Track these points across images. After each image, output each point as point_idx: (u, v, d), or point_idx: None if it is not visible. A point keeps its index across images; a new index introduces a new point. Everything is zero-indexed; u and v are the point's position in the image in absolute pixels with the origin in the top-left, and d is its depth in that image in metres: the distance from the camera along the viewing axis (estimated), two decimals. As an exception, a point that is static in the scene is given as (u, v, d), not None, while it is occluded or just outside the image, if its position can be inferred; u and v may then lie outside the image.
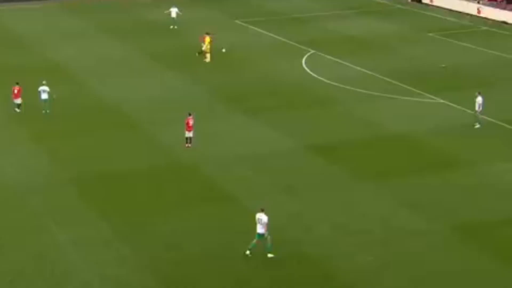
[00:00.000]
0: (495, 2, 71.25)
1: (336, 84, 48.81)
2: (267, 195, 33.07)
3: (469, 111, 42.11)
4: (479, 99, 40.48)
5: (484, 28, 65.58)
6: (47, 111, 42.92)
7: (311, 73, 51.55)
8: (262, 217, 27.67)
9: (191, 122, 37.88)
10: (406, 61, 54.62)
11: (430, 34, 62.79)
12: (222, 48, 56.01)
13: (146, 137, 40.03)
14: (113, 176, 35.10)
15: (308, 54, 56.36)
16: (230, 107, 44.72)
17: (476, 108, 40.60)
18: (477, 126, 40.63)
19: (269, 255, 27.73)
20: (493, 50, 57.32)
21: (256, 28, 63.23)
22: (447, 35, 62.19)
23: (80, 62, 54.87)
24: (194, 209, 31.89)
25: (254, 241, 27.78)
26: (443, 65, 53.05)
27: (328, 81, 49.45)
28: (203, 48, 53.71)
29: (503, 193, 33.22)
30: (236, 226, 30.34)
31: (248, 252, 27.83)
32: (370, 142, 39.05)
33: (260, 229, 27.63)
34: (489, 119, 41.40)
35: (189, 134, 38.00)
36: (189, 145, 38.02)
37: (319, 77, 50.40)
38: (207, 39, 53.92)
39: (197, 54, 54.73)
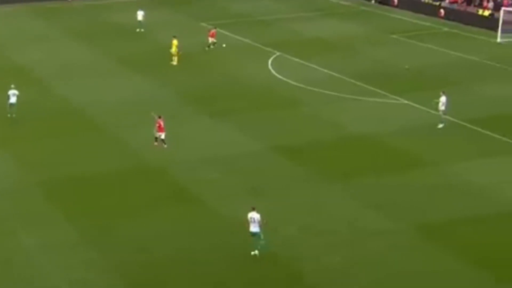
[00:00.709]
0: (455, 4, 72.00)
1: (302, 86, 48.96)
2: (235, 197, 33.08)
3: (432, 111, 42.48)
4: (442, 99, 40.87)
5: (446, 29, 66.23)
6: (13, 115, 42.41)
7: (277, 75, 51.64)
8: (254, 215, 27.67)
9: (162, 124, 38.01)
10: (370, 63, 54.97)
11: (394, 36, 63.27)
12: (222, 44, 57.89)
13: (113, 140, 39.76)
14: (80, 179, 34.80)
15: (274, 56, 56.45)
16: (197, 109, 44.61)
17: (440, 107, 40.97)
18: (441, 126, 41.03)
19: (254, 252, 27.77)
20: (454, 51, 57.90)
21: (222, 31, 63.07)
22: (410, 37, 62.72)
23: (46, 66, 54.35)
24: (162, 211, 31.75)
25: (253, 240, 27.70)
26: (407, 67, 53.48)
27: (294, 83, 49.57)
28: (172, 51, 53.54)
29: (465, 192, 33.58)
30: (204, 229, 30.27)
31: (257, 252, 27.77)
32: (336, 143, 39.22)
33: (254, 228, 27.59)
34: (452, 119, 41.82)
35: (161, 135, 38.06)
36: (165, 145, 38.09)
37: (285, 79, 50.51)
38: (174, 42, 53.73)
39: (206, 48, 57.71)
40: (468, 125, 41.45)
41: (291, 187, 34.18)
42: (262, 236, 27.71)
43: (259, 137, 40.05)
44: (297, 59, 55.50)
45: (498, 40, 60.98)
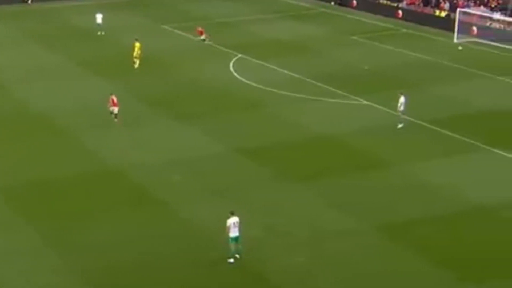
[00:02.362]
0: (413, 5, 72.63)
1: (263, 87, 48.91)
2: (198, 199, 32.90)
3: (392, 112, 42.73)
4: (401, 100, 41.13)
5: (404, 30, 66.75)
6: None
7: (238, 77, 51.52)
8: (236, 220, 27.38)
9: (115, 99, 41.24)
10: (331, 64, 55.12)
11: (354, 37, 63.56)
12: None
13: (74, 143, 39.28)
14: (41, 183, 34.30)
15: (236, 58, 56.31)
16: (159, 112, 44.28)
17: (399, 108, 41.22)
18: (400, 126, 41.28)
19: (232, 260, 27.45)
20: (413, 51, 58.35)
21: (183, 33, 62.82)
22: (369, 38, 63.08)
23: (5, 70, 53.47)
24: (125, 215, 31.41)
25: (232, 246, 27.40)
26: (367, 67, 53.77)
27: (256, 85, 49.50)
28: (134, 53, 53.07)
29: (425, 191, 33.79)
30: (167, 232, 30.02)
31: (232, 260, 27.45)
32: (298, 144, 39.22)
33: (235, 233, 27.34)
34: (411, 119, 42.10)
35: (115, 109, 41.16)
36: (116, 120, 41.01)
37: (247, 81, 50.41)
38: (137, 45, 53.29)
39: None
40: (427, 125, 41.77)
41: (254, 188, 34.08)
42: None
43: (221, 139, 39.88)
44: (258, 61, 55.44)
45: (455, 40, 61.64)
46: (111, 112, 41.19)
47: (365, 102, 46.18)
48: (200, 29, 61.67)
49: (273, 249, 28.79)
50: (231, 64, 54.52)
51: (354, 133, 40.73)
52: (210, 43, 59.56)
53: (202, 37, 60.66)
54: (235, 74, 52.25)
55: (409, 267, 27.65)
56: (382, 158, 37.45)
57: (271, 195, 33.40)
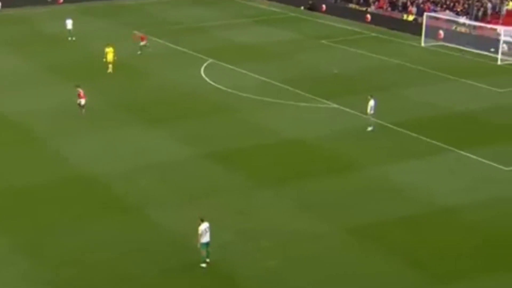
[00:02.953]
0: (381, 9, 73.01)
1: (234, 92, 48.76)
2: (169, 204, 32.67)
3: (361, 114, 42.80)
4: (371, 103, 41.21)
5: (373, 34, 67.01)
6: None
7: (210, 81, 51.32)
8: (207, 225, 27.14)
9: (82, 92, 42.77)
10: (300, 68, 55.14)
11: (323, 41, 63.66)
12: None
13: (45, 150, 38.82)
14: (12, 191, 33.82)
15: (207, 63, 56.10)
16: (130, 117, 43.92)
17: (368, 111, 41.31)
18: (370, 129, 41.37)
19: (204, 265, 27.20)
20: (381, 55, 58.58)
21: (154, 38, 62.43)
22: (338, 42, 63.22)
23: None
24: (96, 222, 31.06)
25: (204, 252, 27.16)
26: (336, 71, 53.86)
27: (227, 89, 49.34)
28: (107, 59, 52.61)
29: (394, 193, 33.88)
30: (139, 238, 29.73)
31: (204, 264, 27.15)
32: (269, 148, 39.12)
33: (207, 238, 27.10)
34: (380, 122, 42.23)
35: (82, 101, 42.81)
36: (83, 111, 42.54)
37: (218, 85, 50.22)
38: (110, 49, 52.86)
39: (139, 52, 56.19)
40: (395, 128, 41.91)
41: (225, 193, 33.91)
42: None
43: (192, 143, 39.65)
44: (229, 66, 55.28)
45: (422, 44, 62.01)
46: (79, 104, 42.44)
47: (334, 105, 46.22)
48: (141, 35, 59.28)
49: (245, 253, 28.64)
50: (202, 69, 54.29)
51: (324, 137, 40.74)
52: (150, 49, 58.22)
53: (143, 42, 58.08)
54: (206, 79, 52.04)
55: (380, 268, 27.65)
56: (352, 161, 37.49)
57: (242, 199, 33.25)
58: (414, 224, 31.06)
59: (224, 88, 49.64)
